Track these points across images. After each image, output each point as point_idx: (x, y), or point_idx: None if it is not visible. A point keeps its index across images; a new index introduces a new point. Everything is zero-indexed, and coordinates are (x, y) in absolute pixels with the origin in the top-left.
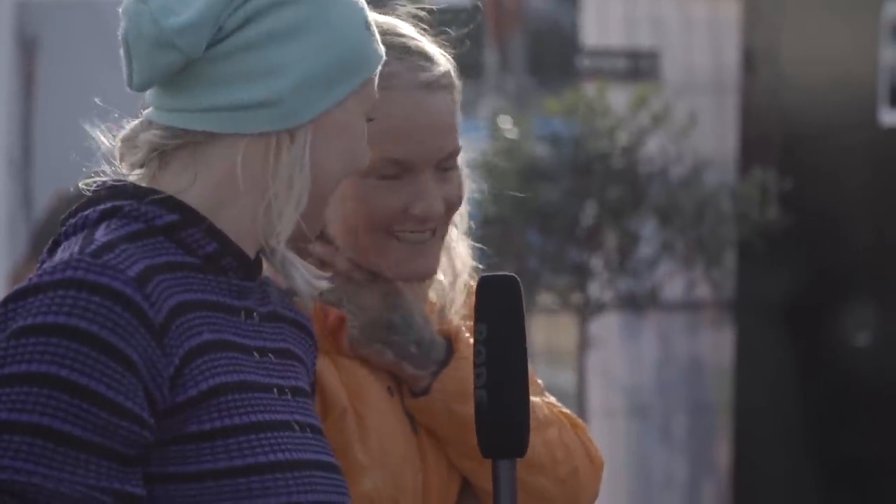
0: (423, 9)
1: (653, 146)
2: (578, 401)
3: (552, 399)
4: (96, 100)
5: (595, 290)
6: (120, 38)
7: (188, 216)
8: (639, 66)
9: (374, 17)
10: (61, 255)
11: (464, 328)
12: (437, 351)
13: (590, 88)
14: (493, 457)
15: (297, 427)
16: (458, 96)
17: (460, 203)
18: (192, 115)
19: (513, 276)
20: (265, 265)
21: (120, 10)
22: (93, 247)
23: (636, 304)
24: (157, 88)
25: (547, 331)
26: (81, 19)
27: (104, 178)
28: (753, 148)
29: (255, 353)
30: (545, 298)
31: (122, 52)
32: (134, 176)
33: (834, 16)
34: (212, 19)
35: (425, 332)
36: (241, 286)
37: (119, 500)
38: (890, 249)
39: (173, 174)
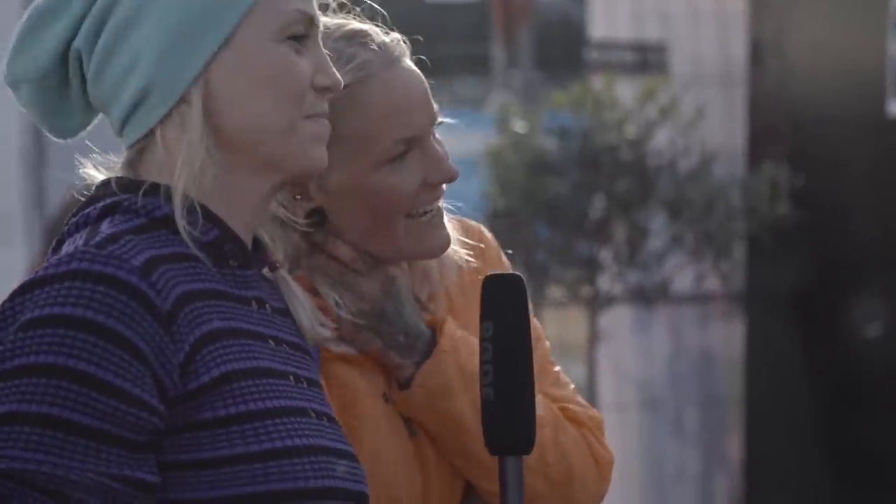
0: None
1: (661, 139)
2: (589, 394)
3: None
4: None
5: (604, 283)
6: None
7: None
8: (647, 59)
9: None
10: (66, 249)
11: (451, 320)
12: (423, 342)
13: (597, 82)
14: (500, 454)
15: (313, 414)
16: None
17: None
18: (121, 132)
19: (518, 275)
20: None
21: None
22: (98, 238)
23: (646, 297)
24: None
25: (557, 324)
26: None
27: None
28: (761, 140)
29: (271, 342)
30: (554, 292)
31: None
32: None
33: (841, 7)
34: (28, 36)
35: (412, 322)
36: (243, 275)
37: (129, 486)
38: None
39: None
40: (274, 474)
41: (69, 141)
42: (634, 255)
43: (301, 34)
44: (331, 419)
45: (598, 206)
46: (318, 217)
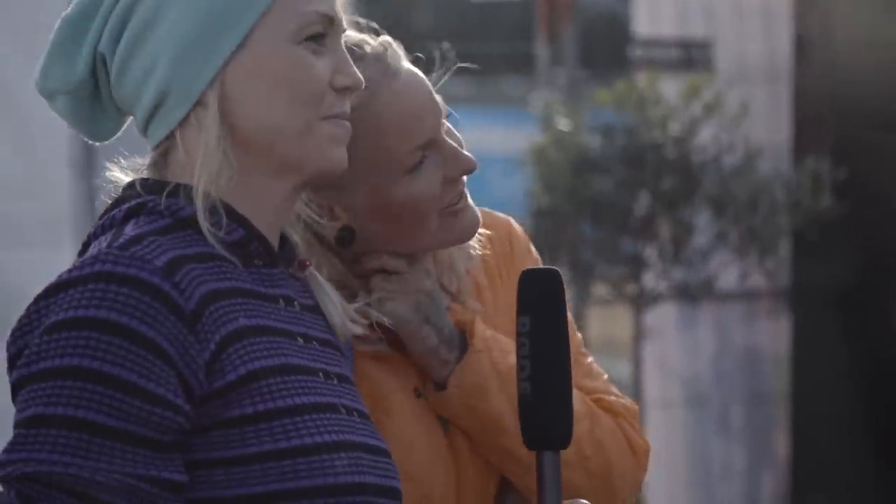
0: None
1: (706, 135)
2: (635, 392)
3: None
4: None
5: (650, 280)
6: None
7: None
8: (692, 56)
9: None
10: (91, 252)
11: (479, 320)
12: (455, 341)
13: (641, 79)
14: (537, 449)
15: (343, 410)
16: None
17: (464, 146)
18: (144, 133)
19: (555, 270)
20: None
21: None
22: (121, 240)
23: (691, 294)
24: None
25: (602, 322)
26: None
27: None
28: (807, 135)
29: (300, 339)
30: (600, 289)
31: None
32: (148, 173)
33: (885, 1)
34: (60, 48)
35: (445, 321)
36: (270, 274)
37: (156, 486)
38: None
39: (182, 168)
40: (303, 471)
41: (120, 145)
42: (679, 252)
43: (320, 33)
44: (362, 415)
45: (642, 203)
46: (346, 233)
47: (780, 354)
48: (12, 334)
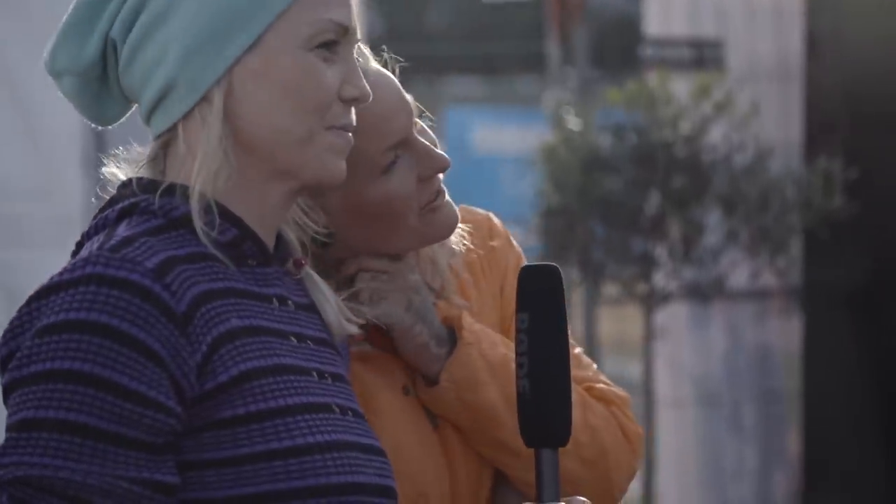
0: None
1: (716, 134)
2: (646, 391)
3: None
4: None
5: (660, 279)
6: None
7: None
8: (703, 55)
9: None
10: (83, 253)
11: (466, 314)
12: (444, 337)
13: (653, 78)
14: (536, 446)
15: (337, 409)
16: None
17: (437, 145)
18: (149, 121)
19: (554, 266)
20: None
21: None
22: (112, 242)
23: (702, 293)
24: None
25: (613, 321)
26: None
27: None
28: (818, 135)
29: (293, 338)
30: (610, 289)
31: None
32: (145, 169)
33: None
34: (73, 28)
35: (435, 316)
36: (263, 273)
37: (148, 488)
38: None
39: (181, 162)
40: (295, 472)
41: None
42: (690, 251)
43: (333, 41)
44: (356, 414)
45: (653, 202)
46: (320, 236)
47: (791, 353)
48: (3, 336)
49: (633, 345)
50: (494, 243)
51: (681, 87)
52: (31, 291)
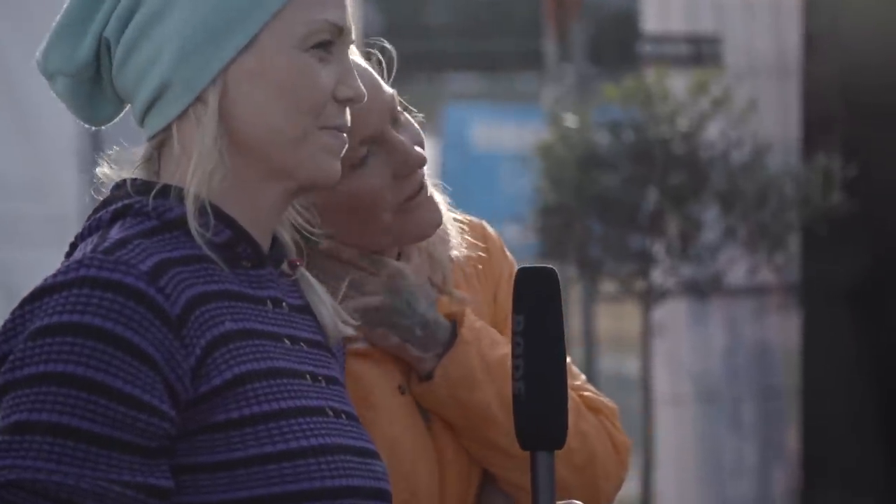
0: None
1: (714, 131)
2: (645, 388)
3: (580, 381)
4: None
5: (658, 276)
6: None
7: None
8: (701, 52)
9: None
10: (76, 255)
11: (470, 312)
12: (443, 333)
13: (650, 75)
14: (531, 449)
15: (331, 413)
16: None
17: (423, 142)
18: (143, 122)
19: (551, 268)
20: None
21: None
22: (106, 244)
23: (700, 290)
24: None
25: (611, 319)
26: None
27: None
28: (816, 131)
29: (287, 341)
30: (608, 286)
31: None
32: (140, 170)
33: None
34: (66, 29)
35: (429, 315)
36: (258, 275)
37: (142, 492)
38: None
39: (175, 163)
40: (289, 475)
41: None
42: (688, 248)
43: (328, 41)
44: (350, 417)
45: (650, 199)
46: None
47: (790, 350)
48: None
49: (631, 342)
50: (489, 251)
51: (678, 83)
52: (25, 290)
